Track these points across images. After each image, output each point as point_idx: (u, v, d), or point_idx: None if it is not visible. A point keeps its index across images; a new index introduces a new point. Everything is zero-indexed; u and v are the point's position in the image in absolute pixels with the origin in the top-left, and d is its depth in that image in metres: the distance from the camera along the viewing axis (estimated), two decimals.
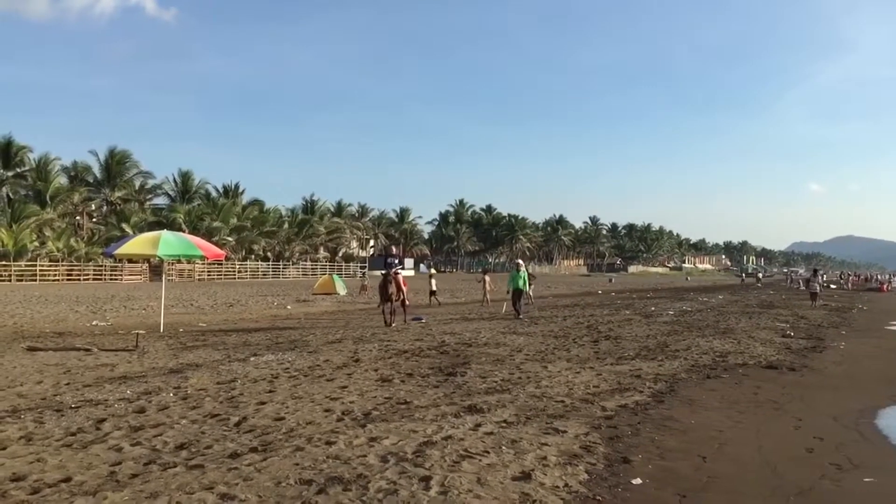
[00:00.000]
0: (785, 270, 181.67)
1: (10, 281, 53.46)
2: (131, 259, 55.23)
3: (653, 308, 29.31)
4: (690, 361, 12.71)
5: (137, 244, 19.53)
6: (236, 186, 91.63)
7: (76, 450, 6.24)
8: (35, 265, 57.50)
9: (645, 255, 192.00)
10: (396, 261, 20.83)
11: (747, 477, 5.90)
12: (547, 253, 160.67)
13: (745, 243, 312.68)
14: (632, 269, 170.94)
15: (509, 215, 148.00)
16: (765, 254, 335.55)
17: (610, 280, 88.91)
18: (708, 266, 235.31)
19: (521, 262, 24.55)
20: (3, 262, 55.37)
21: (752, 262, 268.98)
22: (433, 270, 45.88)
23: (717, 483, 5.70)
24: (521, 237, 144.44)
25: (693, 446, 6.77)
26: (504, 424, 7.39)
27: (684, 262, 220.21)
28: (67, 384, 9.76)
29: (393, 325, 19.43)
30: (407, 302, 21.08)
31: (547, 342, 15.53)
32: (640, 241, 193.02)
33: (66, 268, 59.99)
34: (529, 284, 24.55)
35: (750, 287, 68.47)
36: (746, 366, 12.47)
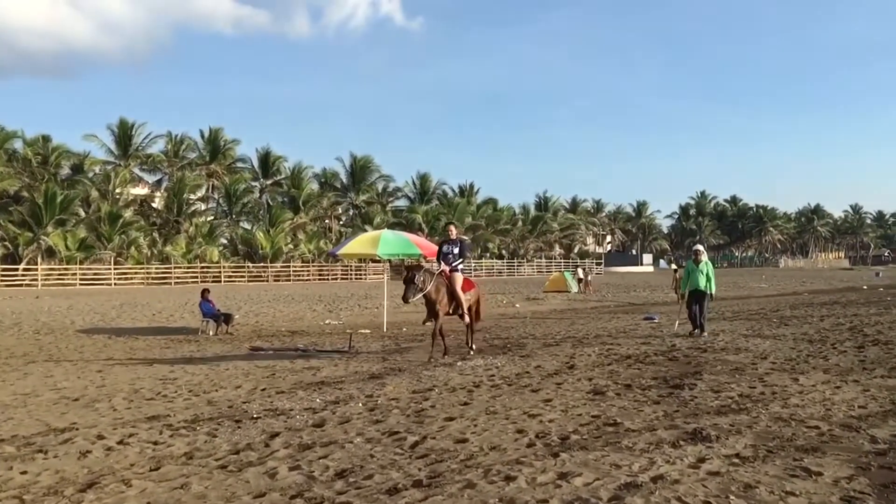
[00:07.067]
0: None
1: (267, 281, 57.95)
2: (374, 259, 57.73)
3: None
4: None
5: (359, 244, 19.73)
6: (471, 186, 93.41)
7: (229, 473, 5.64)
8: (289, 266, 61.94)
9: None
10: (456, 249, 13.17)
11: None
12: (801, 245, 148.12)
13: None
14: None
15: (757, 206, 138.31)
16: None
17: (877, 274, 79.38)
18: None
19: (700, 248, 16.46)
20: (262, 264, 60.17)
21: None
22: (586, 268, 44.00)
23: None
24: (771, 229, 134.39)
25: None
26: (736, 460, 5.82)
27: None
28: (263, 390, 9.51)
29: (439, 356, 12.73)
30: (468, 318, 13.27)
31: (799, 347, 13.25)
32: None
33: (316, 268, 64.07)
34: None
35: None
36: None
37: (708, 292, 15.42)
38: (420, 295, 12.39)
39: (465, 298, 13.16)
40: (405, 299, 12.35)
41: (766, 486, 5.18)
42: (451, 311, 13.05)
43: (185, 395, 9.17)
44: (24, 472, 5.74)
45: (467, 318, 13.28)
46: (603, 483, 5.23)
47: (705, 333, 15.20)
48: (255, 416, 7.79)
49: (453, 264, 13.08)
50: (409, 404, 8.32)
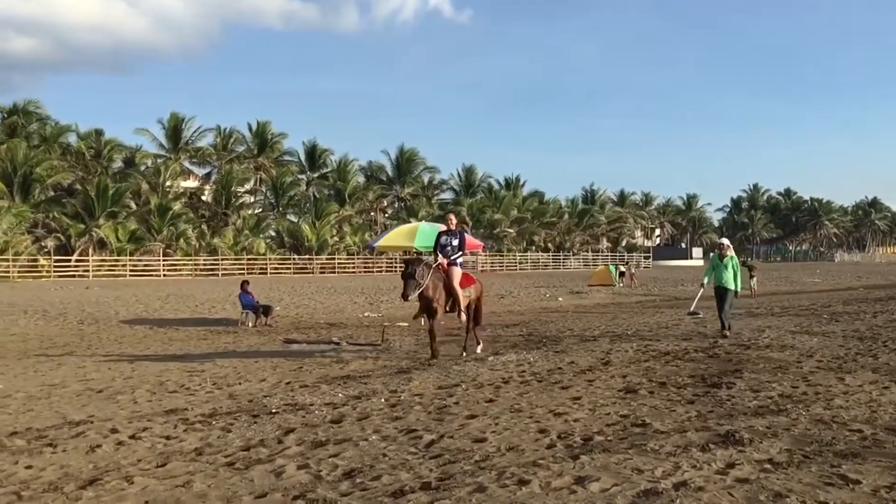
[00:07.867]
0: None
1: (312, 273, 58.27)
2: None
3: None
4: None
5: (396, 236, 19.57)
6: (517, 178, 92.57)
7: (235, 471, 5.48)
8: (334, 258, 62.22)
9: None
10: (455, 241, 12.15)
11: None
12: (858, 239, 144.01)
13: None
14: None
15: (811, 199, 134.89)
16: None
17: None
18: None
19: (725, 241, 15.21)
20: (308, 256, 60.56)
21: None
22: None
23: None
24: (826, 222, 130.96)
25: None
26: (768, 466, 5.45)
27: None
28: (287, 383, 9.38)
29: (438, 354, 11.76)
30: (464, 316, 12.26)
31: (848, 345, 12.66)
32: None
33: (361, 260, 64.23)
34: (751, 276, 16.19)
35: None
36: None
37: (732, 289, 14.35)
38: (419, 291, 11.39)
39: (464, 295, 12.15)
40: (405, 297, 11.41)
41: (797, 494, 4.82)
42: (448, 309, 12.08)
43: (208, 388, 9.08)
44: (28, 467, 5.65)
45: (464, 317, 12.26)
46: (621, 489, 4.92)
47: (727, 332, 14.06)
48: (273, 410, 7.64)
49: (451, 257, 12.05)
50: (433, 400, 8.09)
